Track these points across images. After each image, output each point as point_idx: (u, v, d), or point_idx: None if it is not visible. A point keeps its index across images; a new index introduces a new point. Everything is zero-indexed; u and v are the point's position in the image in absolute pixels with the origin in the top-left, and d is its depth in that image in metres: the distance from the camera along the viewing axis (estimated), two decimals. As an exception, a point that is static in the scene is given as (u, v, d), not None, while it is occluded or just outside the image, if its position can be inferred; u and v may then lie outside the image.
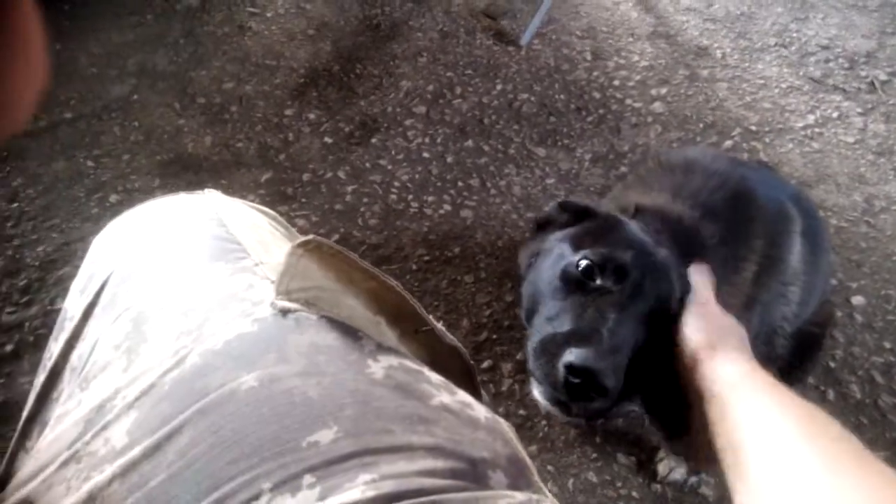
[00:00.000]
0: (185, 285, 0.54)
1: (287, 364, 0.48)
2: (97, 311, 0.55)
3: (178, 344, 0.49)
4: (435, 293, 1.62)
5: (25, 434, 0.53)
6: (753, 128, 2.02)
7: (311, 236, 0.56)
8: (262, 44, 2.31)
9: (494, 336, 1.54)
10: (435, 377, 0.51)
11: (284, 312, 0.51)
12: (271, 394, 0.46)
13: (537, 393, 0.80)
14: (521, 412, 1.41)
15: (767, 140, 1.98)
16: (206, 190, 0.70)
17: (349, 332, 0.52)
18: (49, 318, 1.48)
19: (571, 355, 0.71)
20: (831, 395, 1.44)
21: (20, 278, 1.55)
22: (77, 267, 1.54)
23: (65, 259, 1.61)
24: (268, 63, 2.24)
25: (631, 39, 2.33)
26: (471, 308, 1.59)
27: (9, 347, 1.43)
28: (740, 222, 1.01)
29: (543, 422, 1.41)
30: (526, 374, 1.47)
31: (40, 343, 1.43)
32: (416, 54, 2.28)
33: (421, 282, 1.64)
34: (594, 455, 1.37)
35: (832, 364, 1.49)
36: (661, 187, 1.07)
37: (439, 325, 0.59)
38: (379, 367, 0.49)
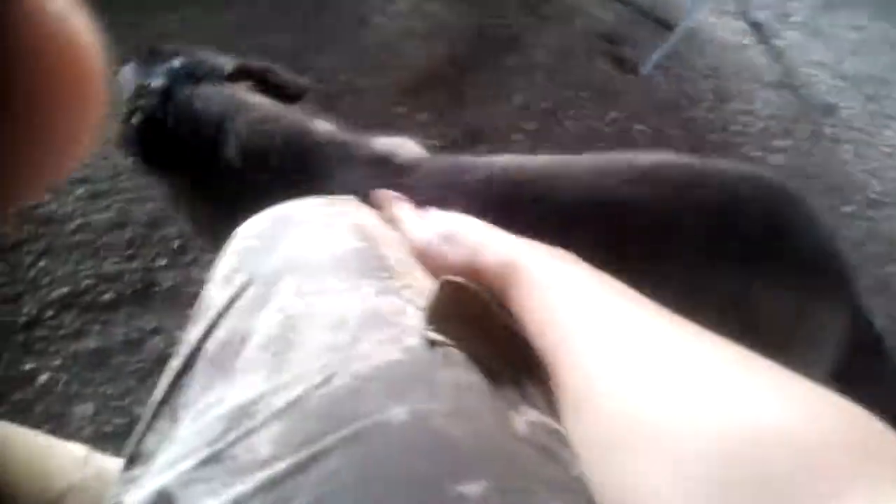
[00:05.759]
0: (333, 298, 0.53)
1: (436, 402, 0.46)
2: (240, 304, 0.54)
3: (326, 360, 0.47)
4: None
5: (156, 416, 0.53)
6: (875, 196, 1.93)
7: (461, 279, 0.55)
8: (381, 39, 2.32)
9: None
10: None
11: (433, 344, 0.50)
12: (420, 432, 0.44)
13: None
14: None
15: (890, 212, 1.89)
16: (344, 197, 0.70)
17: (492, 374, 0.50)
18: (149, 274, 1.50)
19: None
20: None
21: (126, 231, 1.59)
22: (182, 230, 1.57)
23: (169, 220, 1.63)
24: (384, 59, 2.25)
25: (756, 86, 2.26)
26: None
27: (108, 296, 1.46)
28: None
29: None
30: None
31: (138, 298, 1.46)
32: (532, 69, 2.26)
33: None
34: None
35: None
36: None
37: None
38: (522, 420, 0.47)
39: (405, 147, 1.02)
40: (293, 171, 0.94)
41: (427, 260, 0.64)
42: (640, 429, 0.38)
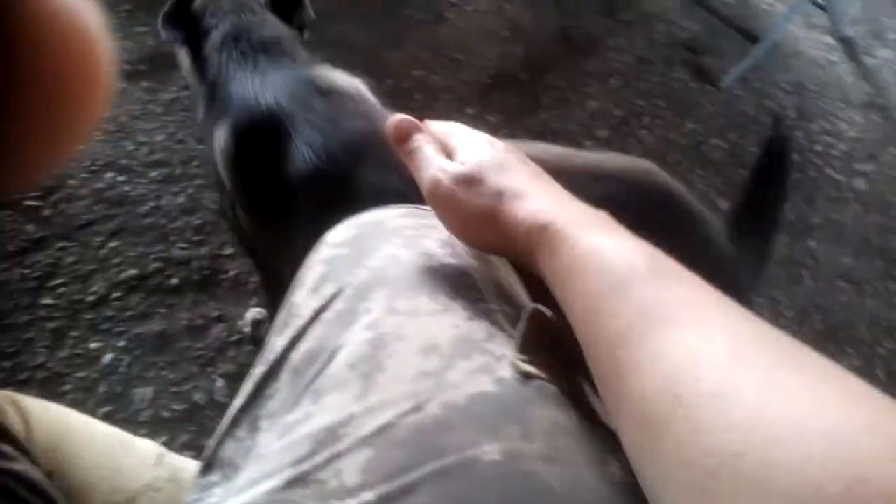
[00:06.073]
0: (424, 319, 0.51)
1: (529, 442, 0.43)
2: (328, 316, 0.53)
3: (418, 386, 0.45)
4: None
5: (235, 423, 0.52)
6: (964, 229, 1.83)
7: (550, 312, 0.51)
8: (456, 37, 2.30)
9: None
10: None
11: (526, 377, 0.47)
12: (513, 473, 0.42)
13: None
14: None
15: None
16: (427, 207, 0.67)
17: (586, 415, 0.47)
18: (216, 262, 1.52)
19: None
20: None
21: (196, 217, 1.61)
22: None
23: (237, 208, 1.65)
24: (458, 57, 2.23)
25: (841, 105, 2.17)
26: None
27: (174, 281, 1.48)
28: None
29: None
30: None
31: (205, 285, 1.48)
32: (608, 75, 2.21)
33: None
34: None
35: None
36: None
37: None
38: (618, 467, 0.44)
39: (349, 83, 1.16)
40: (250, 52, 1.14)
41: (440, 204, 0.56)
42: (759, 460, 0.30)
